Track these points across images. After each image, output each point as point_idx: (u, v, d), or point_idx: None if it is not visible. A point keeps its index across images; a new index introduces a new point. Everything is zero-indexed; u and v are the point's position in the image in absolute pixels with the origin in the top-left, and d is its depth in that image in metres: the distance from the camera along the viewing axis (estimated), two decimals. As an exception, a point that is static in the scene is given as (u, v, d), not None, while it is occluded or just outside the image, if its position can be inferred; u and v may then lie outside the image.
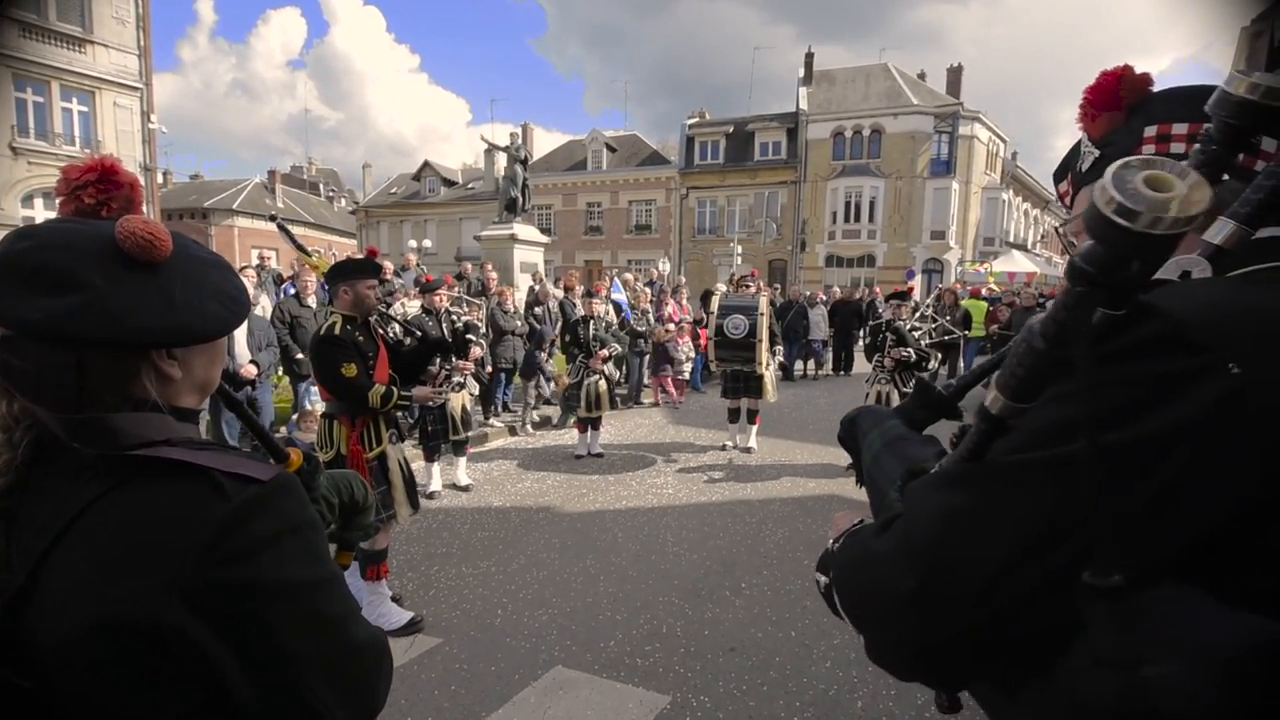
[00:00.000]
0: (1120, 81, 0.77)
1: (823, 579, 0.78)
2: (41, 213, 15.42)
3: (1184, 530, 0.52)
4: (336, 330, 3.08)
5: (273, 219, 3.83)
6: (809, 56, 28.72)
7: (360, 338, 3.14)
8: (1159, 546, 0.52)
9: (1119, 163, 0.48)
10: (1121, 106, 0.77)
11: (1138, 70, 0.78)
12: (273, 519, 0.67)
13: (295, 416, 6.05)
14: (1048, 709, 0.57)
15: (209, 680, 0.64)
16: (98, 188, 0.80)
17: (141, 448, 0.67)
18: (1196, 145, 0.61)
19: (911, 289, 9.05)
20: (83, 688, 0.63)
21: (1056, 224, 0.95)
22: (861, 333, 13.37)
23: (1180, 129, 0.73)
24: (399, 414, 3.45)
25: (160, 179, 21.66)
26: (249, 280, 6.79)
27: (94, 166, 0.82)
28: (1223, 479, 0.51)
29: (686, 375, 10.03)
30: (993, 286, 14.30)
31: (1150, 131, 0.74)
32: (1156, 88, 0.78)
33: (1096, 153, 0.79)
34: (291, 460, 0.94)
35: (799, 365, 12.54)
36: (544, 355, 7.66)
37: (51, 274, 0.66)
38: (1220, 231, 0.64)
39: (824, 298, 13.26)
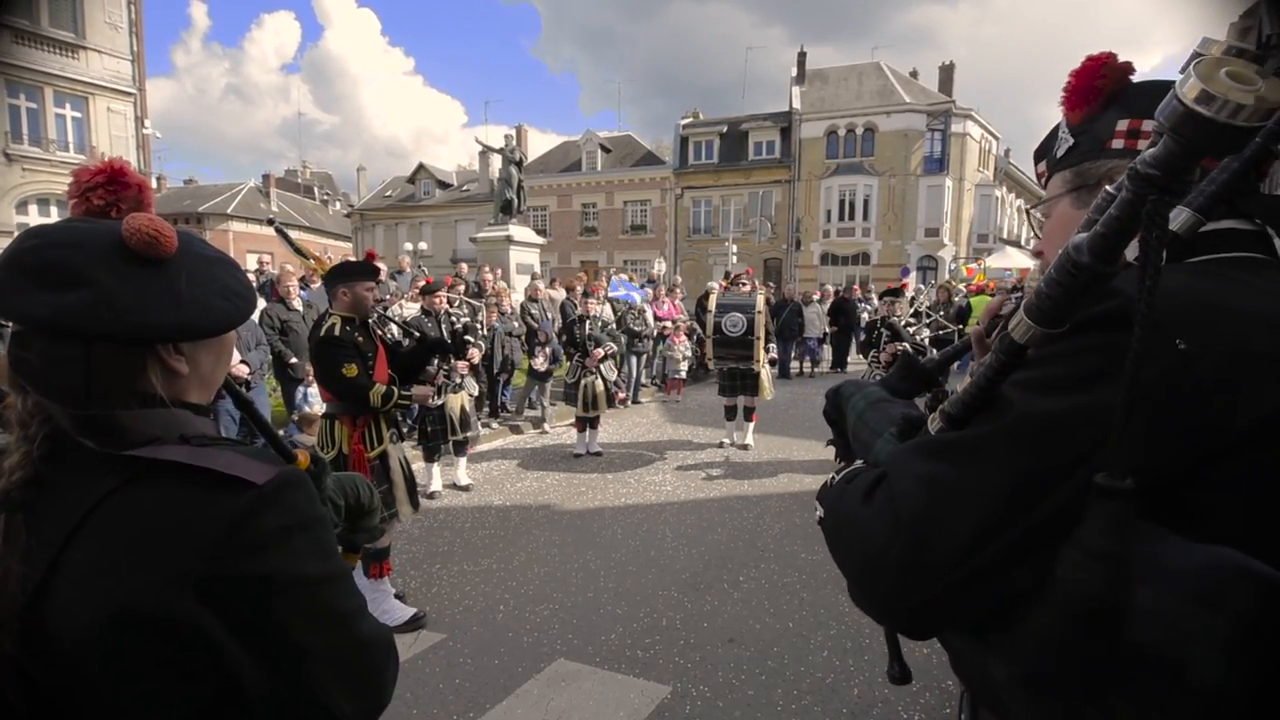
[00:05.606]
0: (1101, 69, 0.78)
1: (820, 511, 0.82)
2: (36, 219, 15.37)
3: (1139, 482, 0.57)
4: (336, 331, 3.12)
5: (270, 223, 3.86)
6: (801, 56, 28.78)
7: (359, 338, 3.18)
8: None
9: (1200, 59, 0.49)
10: (1100, 94, 0.78)
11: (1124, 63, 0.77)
12: (283, 514, 0.69)
13: (296, 418, 6.08)
14: (1015, 646, 0.62)
15: (221, 673, 0.65)
16: (107, 189, 0.82)
17: (150, 444, 0.68)
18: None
19: (904, 286, 9.08)
20: (99, 680, 0.64)
21: (1028, 205, 0.96)
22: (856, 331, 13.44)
23: (1150, 125, 0.73)
24: (399, 414, 3.49)
25: (155, 184, 21.64)
26: (247, 283, 6.82)
27: (103, 169, 0.83)
28: (1170, 441, 0.57)
29: (683, 374, 10.09)
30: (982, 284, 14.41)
31: (1122, 125, 0.76)
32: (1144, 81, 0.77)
33: (1071, 140, 0.81)
34: (300, 461, 0.94)
35: (794, 363, 12.61)
36: (542, 354, 7.68)
37: (59, 270, 0.67)
38: (1176, 218, 0.70)
39: (818, 296, 13.31)
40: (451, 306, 5.91)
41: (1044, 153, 0.88)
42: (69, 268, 0.68)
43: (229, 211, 31.93)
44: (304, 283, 6.93)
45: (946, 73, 28.04)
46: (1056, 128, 0.85)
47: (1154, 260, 0.51)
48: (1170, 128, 0.48)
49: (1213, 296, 0.62)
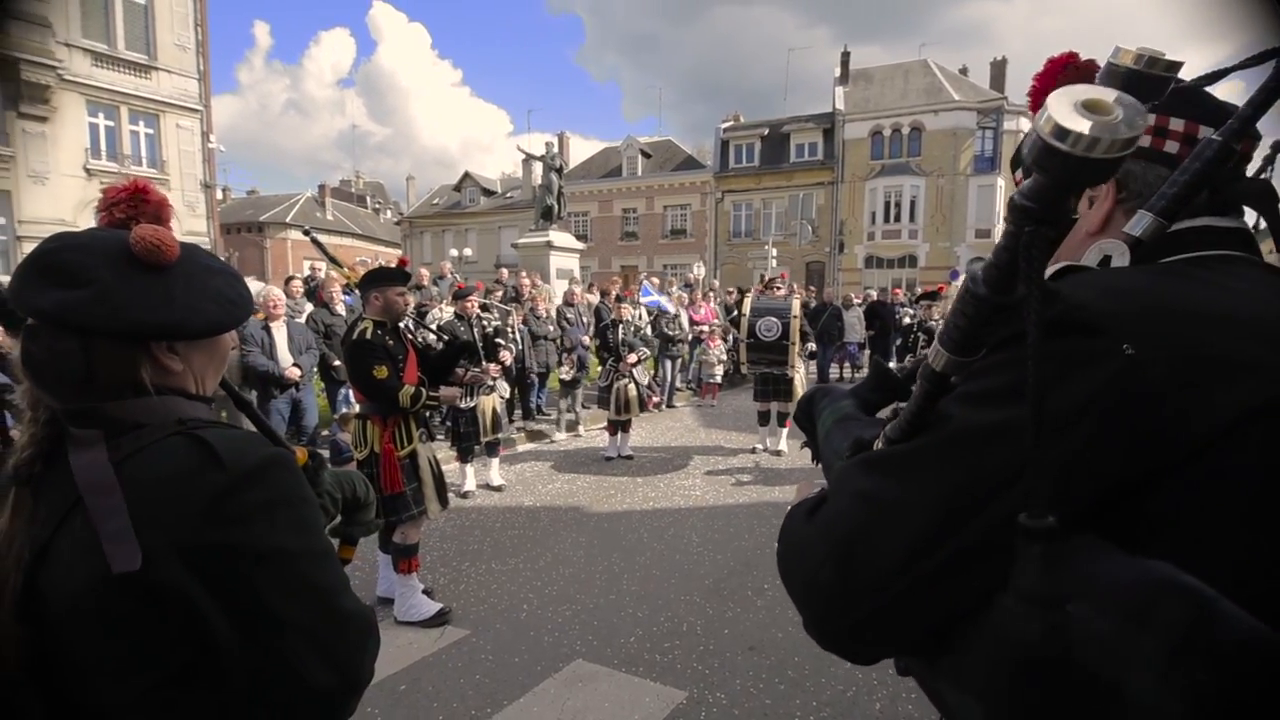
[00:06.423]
0: (1064, 70, 0.76)
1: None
2: (112, 230, 16.42)
3: (1088, 494, 0.55)
4: (368, 335, 3.24)
5: (306, 232, 4.03)
6: (845, 55, 28.26)
7: (390, 341, 3.29)
8: (1068, 506, 0.55)
9: (1058, 91, 0.47)
10: None
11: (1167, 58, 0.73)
12: (267, 489, 0.74)
13: (337, 417, 6.32)
14: (965, 672, 0.60)
15: (200, 640, 0.70)
16: (129, 205, 0.90)
17: (135, 430, 0.75)
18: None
19: (941, 289, 8.78)
20: (87, 641, 0.69)
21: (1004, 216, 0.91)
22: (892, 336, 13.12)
23: None
24: (429, 414, 3.59)
25: (220, 195, 22.84)
26: (296, 289, 7.13)
27: (128, 187, 0.92)
28: (1121, 449, 0.55)
29: (718, 378, 10.03)
30: None
31: None
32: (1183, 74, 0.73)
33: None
34: (297, 457, 0.98)
35: (834, 368, 12.36)
36: (569, 362, 7.71)
37: (68, 270, 0.74)
38: (1139, 224, 0.67)
39: (859, 300, 13.04)
40: (484, 311, 6.04)
41: (1018, 161, 0.86)
42: (77, 268, 0.75)
43: (288, 220, 33.47)
44: (348, 289, 7.20)
45: (998, 68, 27.06)
46: (1028, 135, 0.83)
47: (1036, 292, 0.49)
48: (1033, 162, 0.47)
49: (1172, 299, 0.60)
